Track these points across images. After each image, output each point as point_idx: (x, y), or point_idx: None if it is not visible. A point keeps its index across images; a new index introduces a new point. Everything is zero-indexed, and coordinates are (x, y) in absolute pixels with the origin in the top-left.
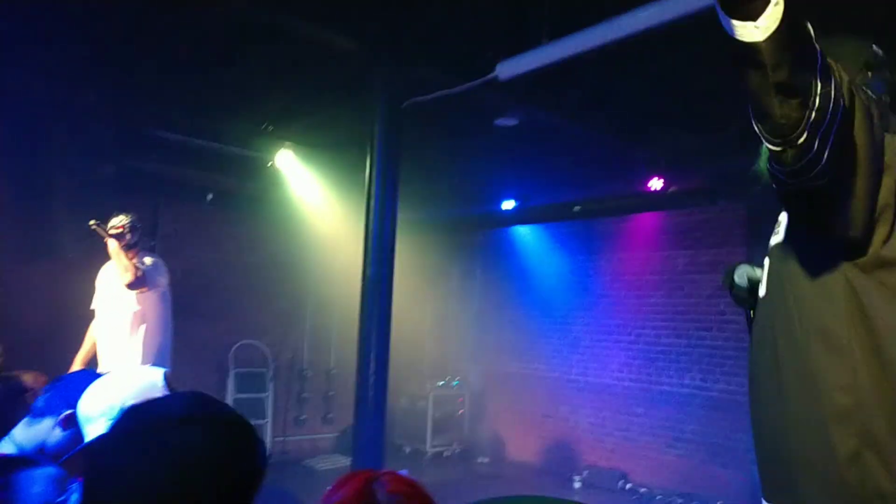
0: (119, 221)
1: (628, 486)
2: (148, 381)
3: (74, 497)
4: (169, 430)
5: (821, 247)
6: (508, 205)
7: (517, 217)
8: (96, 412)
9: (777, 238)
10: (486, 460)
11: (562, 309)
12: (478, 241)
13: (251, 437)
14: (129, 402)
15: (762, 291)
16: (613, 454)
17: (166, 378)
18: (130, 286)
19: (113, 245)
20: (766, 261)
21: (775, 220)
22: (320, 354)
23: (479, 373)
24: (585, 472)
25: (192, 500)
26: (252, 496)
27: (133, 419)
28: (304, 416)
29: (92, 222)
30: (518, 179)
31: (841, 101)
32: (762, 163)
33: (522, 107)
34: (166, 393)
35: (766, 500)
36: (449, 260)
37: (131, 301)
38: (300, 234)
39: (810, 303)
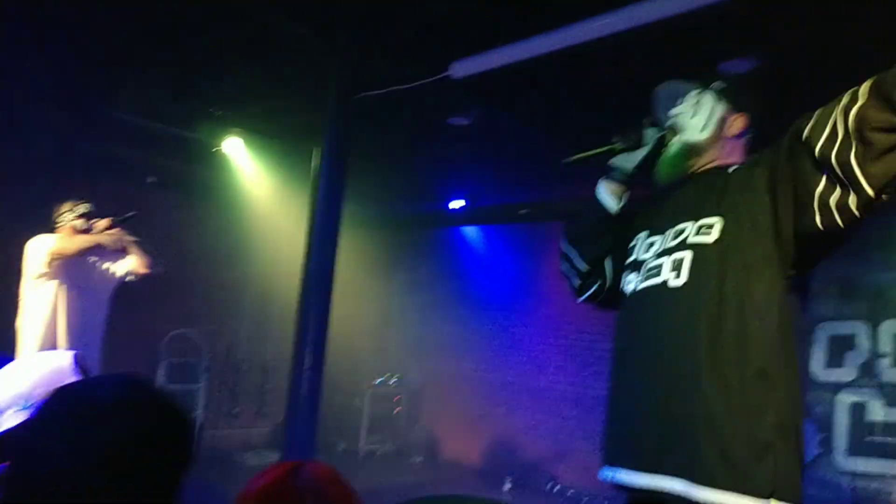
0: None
1: (557, 487)
2: (56, 367)
3: None
4: (100, 415)
5: (774, 259)
6: (457, 204)
7: (465, 217)
8: (3, 403)
9: (708, 238)
10: (419, 460)
11: (504, 310)
12: (425, 239)
13: (184, 425)
14: (39, 390)
15: (679, 280)
16: (545, 456)
17: (77, 360)
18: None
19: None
20: (688, 253)
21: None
22: (258, 347)
23: (418, 371)
24: (517, 473)
25: (121, 487)
26: (180, 484)
27: (63, 404)
28: (237, 410)
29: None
30: (468, 179)
31: None
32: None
33: (476, 106)
34: (78, 376)
35: (641, 470)
36: (395, 257)
37: (109, 290)
38: (244, 222)
39: (752, 307)
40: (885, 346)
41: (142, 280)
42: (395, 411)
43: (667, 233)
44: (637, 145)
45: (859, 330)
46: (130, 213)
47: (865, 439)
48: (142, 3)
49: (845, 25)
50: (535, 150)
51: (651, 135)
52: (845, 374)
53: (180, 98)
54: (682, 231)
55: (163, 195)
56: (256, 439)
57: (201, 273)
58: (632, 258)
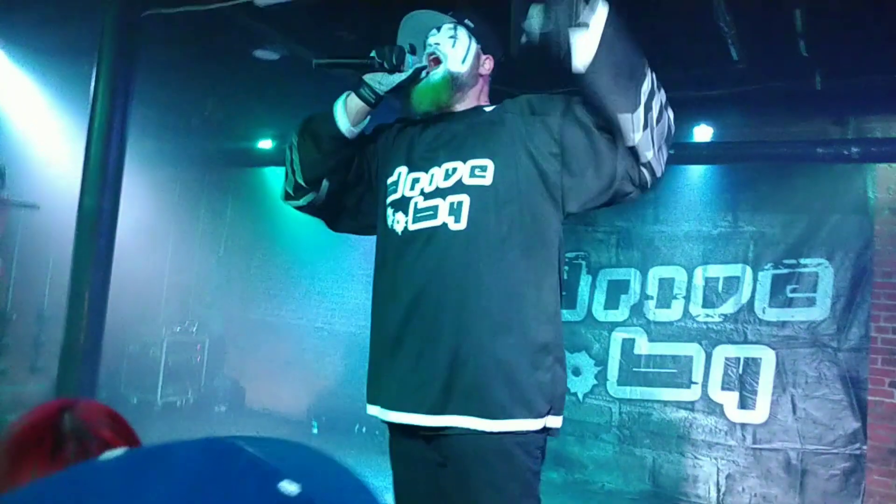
0: None
1: (364, 429)
2: None
3: None
4: None
5: (549, 204)
6: (266, 144)
7: (273, 157)
8: None
9: (484, 181)
10: (223, 409)
11: (313, 256)
12: (230, 180)
13: None
14: None
15: (460, 224)
16: (354, 399)
17: None
18: None
19: None
20: (466, 197)
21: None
22: (31, 295)
23: (222, 318)
24: (324, 418)
25: None
26: None
27: None
28: (3, 366)
29: None
30: (278, 117)
31: None
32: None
33: (285, 42)
34: None
35: (424, 412)
36: (196, 197)
37: None
38: (10, 148)
39: (534, 249)
40: (651, 289)
41: None
42: (196, 360)
43: (431, 171)
44: (395, 68)
45: (632, 276)
46: None
47: (633, 370)
48: None
49: None
50: (344, 90)
51: (411, 61)
52: (619, 314)
53: None
54: (453, 171)
55: None
56: (29, 398)
57: None
58: (396, 195)
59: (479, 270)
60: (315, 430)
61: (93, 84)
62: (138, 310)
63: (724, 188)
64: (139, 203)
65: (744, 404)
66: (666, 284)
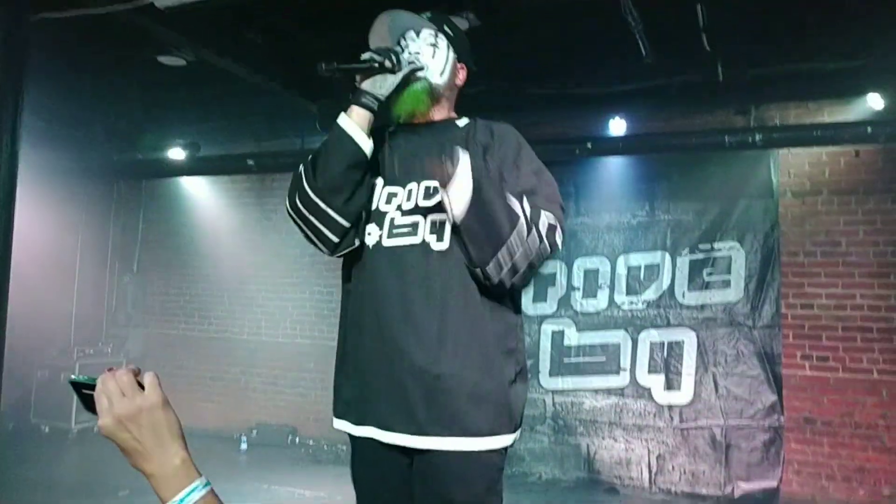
0: None
1: (297, 440)
2: None
3: None
4: None
5: None
6: (177, 153)
7: (188, 167)
8: None
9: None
10: None
11: (235, 267)
12: (141, 192)
13: None
14: None
15: (443, 244)
16: (284, 411)
17: None
18: None
19: None
20: (445, 216)
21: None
22: None
23: (140, 337)
24: (254, 432)
25: None
26: None
27: None
28: None
29: None
30: (188, 126)
31: None
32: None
33: (192, 46)
34: None
35: (405, 432)
36: (106, 212)
37: None
38: None
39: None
40: (577, 281)
41: None
42: None
43: (409, 187)
44: (392, 70)
45: (559, 268)
46: None
47: (563, 361)
48: None
49: None
50: (259, 97)
51: (405, 62)
52: (548, 307)
53: None
54: (434, 191)
55: None
56: None
57: None
58: (370, 207)
59: (459, 290)
60: (244, 447)
61: None
62: (45, 334)
63: (640, 179)
64: (39, 221)
65: (670, 386)
66: (591, 275)
